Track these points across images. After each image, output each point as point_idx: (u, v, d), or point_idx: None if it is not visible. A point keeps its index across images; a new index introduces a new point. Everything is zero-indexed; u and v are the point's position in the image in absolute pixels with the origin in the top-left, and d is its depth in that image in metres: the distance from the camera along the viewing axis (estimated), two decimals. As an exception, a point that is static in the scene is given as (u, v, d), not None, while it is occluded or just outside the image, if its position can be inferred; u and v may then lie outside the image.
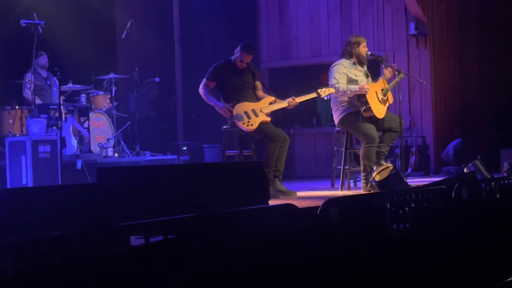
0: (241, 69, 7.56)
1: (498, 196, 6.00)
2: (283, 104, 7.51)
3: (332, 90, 7.62)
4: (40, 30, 8.39)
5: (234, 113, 7.34)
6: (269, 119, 7.42)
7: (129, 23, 10.45)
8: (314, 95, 7.58)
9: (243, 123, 7.29)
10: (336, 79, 7.72)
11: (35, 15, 8.51)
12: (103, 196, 4.02)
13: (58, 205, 3.64)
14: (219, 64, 7.62)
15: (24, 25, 8.37)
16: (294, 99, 7.51)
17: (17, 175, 8.09)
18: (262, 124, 7.35)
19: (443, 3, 11.61)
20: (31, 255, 2.96)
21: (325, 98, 7.65)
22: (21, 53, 9.44)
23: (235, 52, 7.57)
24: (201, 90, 7.59)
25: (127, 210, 4.08)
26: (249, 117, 7.32)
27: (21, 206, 3.59)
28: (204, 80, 7.59)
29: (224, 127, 7.66)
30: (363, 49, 7.91)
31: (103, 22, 11.65)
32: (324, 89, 7.60)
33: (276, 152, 7.33)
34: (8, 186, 8.08)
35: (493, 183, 6.03)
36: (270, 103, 7.51)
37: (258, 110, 7.38)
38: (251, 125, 7.31)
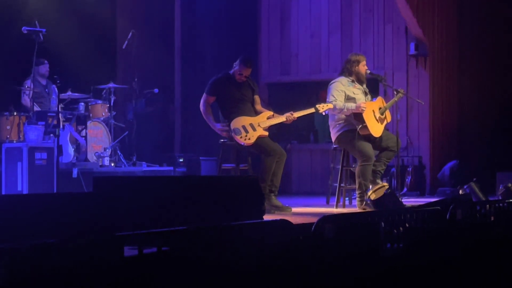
0: (240, 82, 7.56)
1: (492, 219, 6.01)
2: (281, 119, 7.52)
3: (330, 106, 7.63)
4: (41, 38, 8.42)
5: (232, 127, 7.34)
6: (266, 133, 7.43)
7: (130, 34, 10.49)
8: (312, 110, 7.60)
9: (241, 137, 7.29)
10: (334, 96, 7.74)
11: (37, 22, 8.54)
12: (98, 205, 4.03)
13: (53, 213, 3.64)
14: (218, 78, 7.61)
15: (26, 32, 8.40)
16: (292, 114, 7.52)
17: (13, 181, 8.09)
18: (259, 138, 7.36)
19: (444, 24, 11.66)
20: (24, 262, 2.96)
21: (323, 113, 7.66)
22: (21, 59, 9.47)
23: (234, 65, 7.57)
24: (201, 107, 7.58)
25: (122, 220, 4.09)
26: (246, 131, 7.33)
27: (16, 213, 3.59)
28: (204, 96, 7.57)
29: (222, 140, 7.67)
30: (363, 68, 7.93)
31: (104, 32, 11.69)
32: (322, 104, 7.62)
33: (272, 167, 7.33)
34: (3, 192, 8.08)
35: (488, 205, 6.03)
36: (268, 118, 7.52)
37: (256, 125, 7.39)
38: (249, 139, 7.31)
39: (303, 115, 7.63)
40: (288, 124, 7.68)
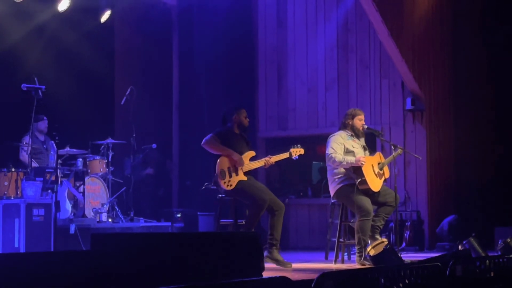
0: (238, 137, 7.64)
1: (492, 274, 5.97)
2: (260, 163, 7.60)
3: (301, 151, 7.73)
4: (41, 95, 8.46)
5: (219, 168, 7.39)
6: (246, 178, 7.46)
7: (129, 90, 10.54)
8: (287, 155, 7.75)
9: (224, 182, 7.38)
10: (333, 149, 7.77)
11: (36, 79, 8.59)
12: (96, 263, 4.00)
13: (52, 272, 3.62)
14: (228, 128, 7.71)
15: (25, 89, 8.44)
16: (270, 158, 7.60)
17: (10, 238, 8.04)
18: (241, 183, 7.38)
19: (439, 78, 11.76)
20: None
21: (294, 158, 7.73)
22: (20, 115, 9.49)
23: (233, 119, 7.64)
24: (211, 140, 7.53)
25: (120, 278, 4.05)
26: (230, 175, 7.42)
27: (13, 272, 3.56)
28: (212, 135, 7.60)
29: (219, 195, 7.68)
30: (358, 122, 7.97)
31: (102, 88, 11.78)
32: (295, 149, 7.71)
33: (259, 215, 7.38)
34: (0, 249, 8.02)
35: (487, 261, 6.00)
36: (251, 159, 7.60)
37: (239, 167, 7.45)
38: (230, 185, 7.40)
39: (280, 160, 7.73)
40: (266, 168, 7.77)
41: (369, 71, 11.78)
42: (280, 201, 7.61)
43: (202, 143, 7.59)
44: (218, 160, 7.44)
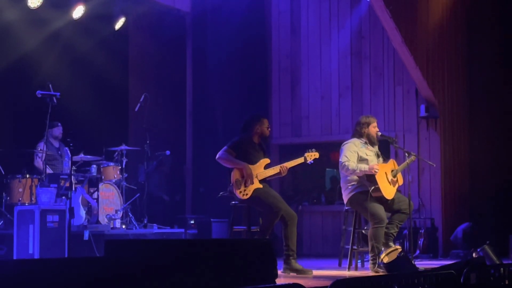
0: (256, 146, 7.65)
1: (507, 282, 5.94)
2: (275, 170, 7.59)
3: (316, 154, 7.71)
4: (55, 101, 8.51)
5: (234, 178, 7.39)
6: (261, 186, 7.46)
7: (142, 97, 10.58)
8: (302, 160, 7.73)
9: (240, 192, 7.37)
10: (347, 157, 7.76)
11: (50, 86, 8.64)
12: (109, 270, 4.01)
13: (65, 278, 3.63)
14: (243, 138, 7.69)
15: (40, 96, 8.49)
16: (285, 164, 7.59)
17: (24, 244, 8.06)
18: (256, 191, 7.38)
19: (453, 85, 11.73)
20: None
21: (309, 162, 7.71)
22: (35, 122, 9.55)
23: (254, 127, 7.63)
24: (223, 155, 7.54)
25: (133, 285, 4.06)
26: (246, 185, 7.40)
27: (27, 278, 3.58)
28: (226, 148, 7.59)
29: (233, 202, 7.68)
30: (373, 130, 7.97)
31: (116, 95, 11.83)
32: (310, 153, 7.69)
33: (273, 222, 7.35)
34: (15, 255, 8.05)
35: (502, 269, 5.97)
36: (266, 167, 7.59)
37: (254, 176, 7.46)
38: (246, 194, 7.40)
39: (294, 165, 7.70)
40: (282, 175, 7.72)
41: (383, 78, 11.76)
42: (292, 210, 7.61)
43: (216, 158, 7.57)
44: (233, 171, 7.44)
